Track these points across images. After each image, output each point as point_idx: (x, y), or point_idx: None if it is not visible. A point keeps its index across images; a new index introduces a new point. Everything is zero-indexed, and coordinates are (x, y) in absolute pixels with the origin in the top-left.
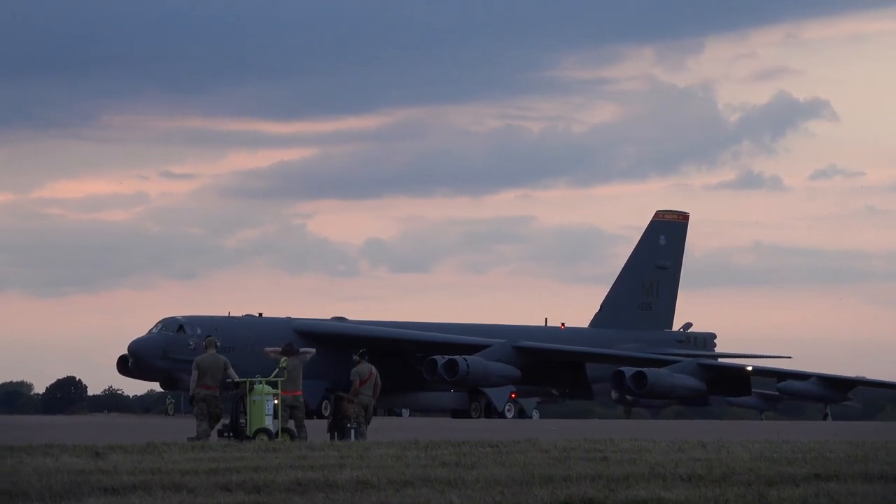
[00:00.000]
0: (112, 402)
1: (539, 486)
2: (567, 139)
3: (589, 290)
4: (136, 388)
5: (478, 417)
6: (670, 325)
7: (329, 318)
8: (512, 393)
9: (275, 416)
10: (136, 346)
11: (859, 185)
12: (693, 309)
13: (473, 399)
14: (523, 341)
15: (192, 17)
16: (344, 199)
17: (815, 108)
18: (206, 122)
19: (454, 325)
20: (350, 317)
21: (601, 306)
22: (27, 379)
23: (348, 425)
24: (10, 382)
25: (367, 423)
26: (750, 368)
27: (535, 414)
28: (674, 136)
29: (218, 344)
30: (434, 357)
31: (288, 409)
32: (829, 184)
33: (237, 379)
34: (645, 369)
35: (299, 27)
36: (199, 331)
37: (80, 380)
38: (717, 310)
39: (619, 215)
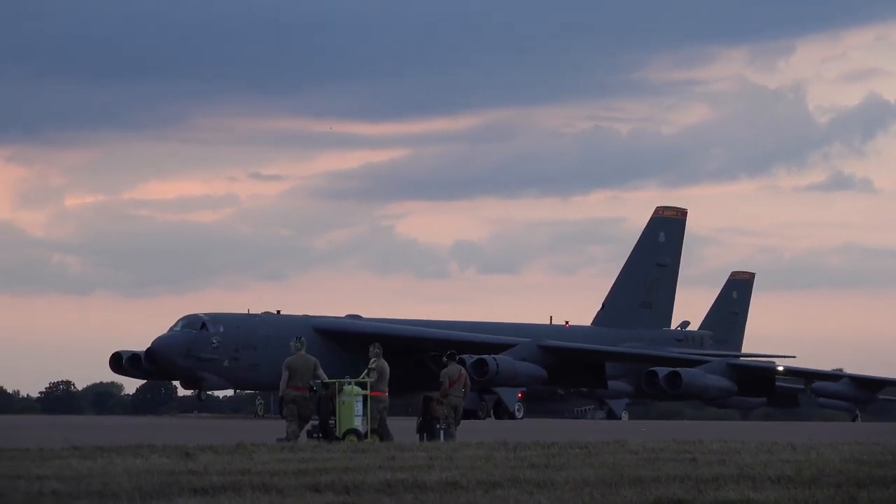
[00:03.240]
0: (202, 403)
1: (628, 487)
2: (657, 140)
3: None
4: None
5: (485, 418)
6: (669, 323)
7: (343, 315)
8: (519, 392)
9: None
10: (158, 345)
11: None
12: (769, 310)
13: (482, 399)
14: (548, 340)
15: (281, 20)
16: (433, 200)
17: None
18: (296, 124)
19: (460, 322)
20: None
21: (603, 304)
22: (117, 380)
23: (437, 426)
24: (101, 383)
25: (457, 424)
26: (781, 368)
27: (625, 415)
28: (764, 138)
29: (303, 340)
30: (462, 356)
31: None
32: None
33: (327, 379)
34: (679, 369)
35: (389, 29)
36: (221, 328)
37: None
38: (801, 311)
39: (709, 217)
